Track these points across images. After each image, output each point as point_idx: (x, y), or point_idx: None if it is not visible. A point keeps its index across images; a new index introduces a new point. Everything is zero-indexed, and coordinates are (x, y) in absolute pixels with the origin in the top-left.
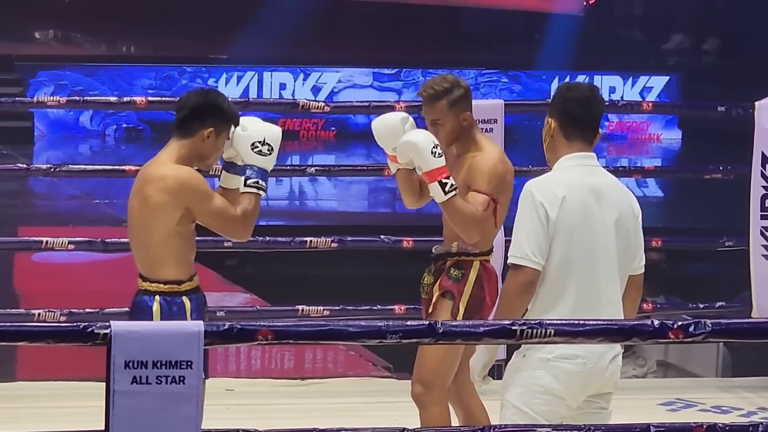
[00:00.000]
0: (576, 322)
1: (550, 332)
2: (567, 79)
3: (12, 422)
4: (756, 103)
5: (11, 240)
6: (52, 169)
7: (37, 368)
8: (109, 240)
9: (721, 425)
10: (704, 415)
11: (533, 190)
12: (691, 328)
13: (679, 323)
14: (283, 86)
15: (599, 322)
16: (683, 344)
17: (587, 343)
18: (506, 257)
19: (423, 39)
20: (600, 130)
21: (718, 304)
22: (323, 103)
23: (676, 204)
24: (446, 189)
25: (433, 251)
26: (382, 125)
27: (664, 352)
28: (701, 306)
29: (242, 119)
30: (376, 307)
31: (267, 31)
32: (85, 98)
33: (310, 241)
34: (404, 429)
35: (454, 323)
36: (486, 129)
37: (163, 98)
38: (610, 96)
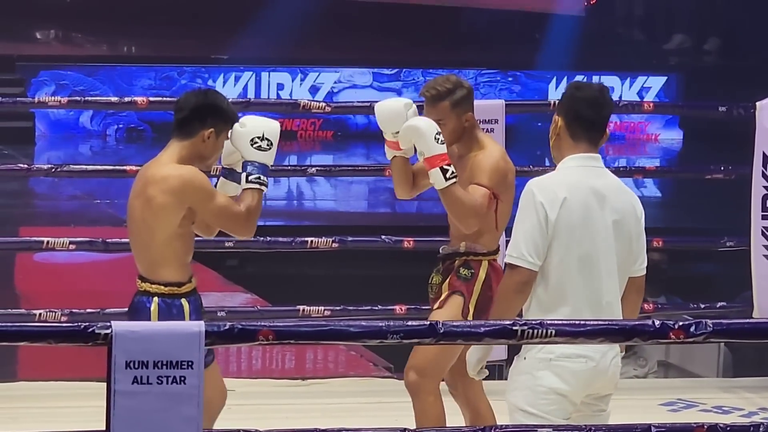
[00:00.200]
0: (577, 322)
1: (551, 332)
2: (565, 80)
3: (13, 422)
4: (757, 103)
5: (12, 240)
6: (53, 170)
7: (38, 368)
8: (110, 240)
9: (722, 425)
10: (705, 416)
11: (534, 190)
12: (692, 329)
13: (680, 323)
14: (280, 86)
15: (600, 323)
16: (684, 344)
17: (588, 344)
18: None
19: (423, 39)
20: (607, 131)
21: (719, 304)
22: (324, 104)
23: (677, 204)
24: (447, 176)
25: (441, 251)
26: (385, 109)
27: (665, 352)
28: (702, 306)
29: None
30: (376, 308)
31: (267, 32)
32: (86, 98)
33: (311, 241)
34: (405, 429)
35: (454, 323)
36: (487, 129)
37: (164, 98)
38: None
